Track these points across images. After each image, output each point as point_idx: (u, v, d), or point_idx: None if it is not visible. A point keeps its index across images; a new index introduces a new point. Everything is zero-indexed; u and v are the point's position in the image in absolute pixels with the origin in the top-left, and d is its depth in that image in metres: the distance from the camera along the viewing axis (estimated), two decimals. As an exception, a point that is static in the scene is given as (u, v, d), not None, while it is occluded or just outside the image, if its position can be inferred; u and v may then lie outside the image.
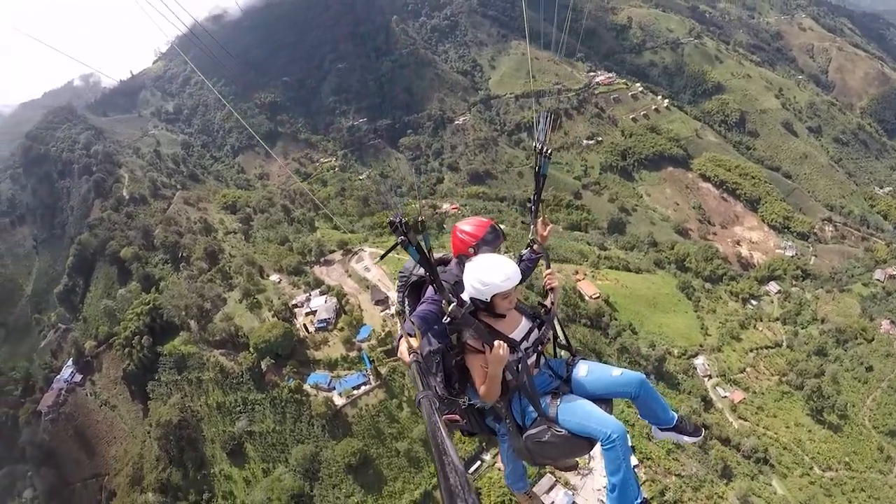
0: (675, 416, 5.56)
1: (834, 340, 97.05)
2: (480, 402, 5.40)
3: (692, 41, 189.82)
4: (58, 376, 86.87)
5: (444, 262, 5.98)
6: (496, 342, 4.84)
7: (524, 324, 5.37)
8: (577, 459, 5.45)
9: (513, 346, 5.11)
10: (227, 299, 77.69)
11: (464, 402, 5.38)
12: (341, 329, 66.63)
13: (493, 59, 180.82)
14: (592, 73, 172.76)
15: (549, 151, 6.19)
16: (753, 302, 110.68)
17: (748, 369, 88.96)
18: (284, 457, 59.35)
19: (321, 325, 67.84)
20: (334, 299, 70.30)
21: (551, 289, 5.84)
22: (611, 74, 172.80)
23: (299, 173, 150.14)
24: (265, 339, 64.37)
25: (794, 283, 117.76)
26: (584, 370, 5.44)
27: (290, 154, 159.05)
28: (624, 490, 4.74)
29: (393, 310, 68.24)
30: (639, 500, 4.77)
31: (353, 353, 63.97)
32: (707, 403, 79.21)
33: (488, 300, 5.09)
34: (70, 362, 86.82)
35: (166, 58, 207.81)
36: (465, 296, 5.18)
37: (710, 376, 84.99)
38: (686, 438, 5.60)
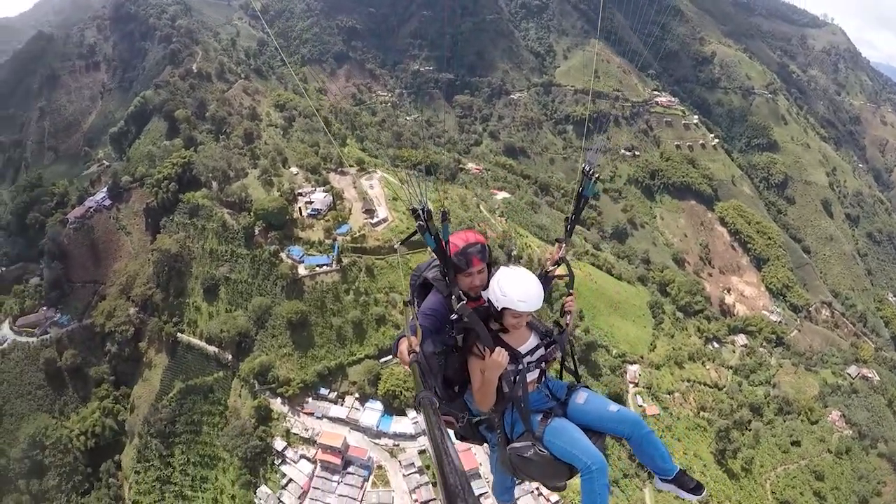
0: (676, 468, 5.32)
1: (777, 407, 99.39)
2: (476, 409, 5.47)
3: (766, 94, 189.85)
4: (91, 197, 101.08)
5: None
6: (497, 348, 4.89)
7: (532, 340, 5.39)
8: (564, 482, 5.25)
9: (515, 357, 5.16)
10: (248, 173, 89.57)
11: (463, 416, 5.48)
12: (327, 220, 78.04)
13: (569, 49, 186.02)
14: (657, 92, 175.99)
15: (597, 175, 6.14)
16: (716, 344, 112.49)
17: (676, 394, 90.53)
18: (246, 304, 71.28)
19: (313, 212, 79.85)
20: (331, 197, 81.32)
21: (568, 311, 5.83)
22: (674, 99, 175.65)
23: (355, 98, 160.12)
24: (265, 207, 76.66)
25: (763, 343, 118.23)
26: (582, 398, 5.41)
27: (352, 79, 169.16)
28: None
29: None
30: None
31: (329, 241, 75.26)
32: (618, 402, 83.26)
33: (499, 309, 5.14)
34: (105, 189, 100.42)
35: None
36: (485, 294, 5.34)
37: (636, 384, 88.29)
38: (686, 495, 5.34)
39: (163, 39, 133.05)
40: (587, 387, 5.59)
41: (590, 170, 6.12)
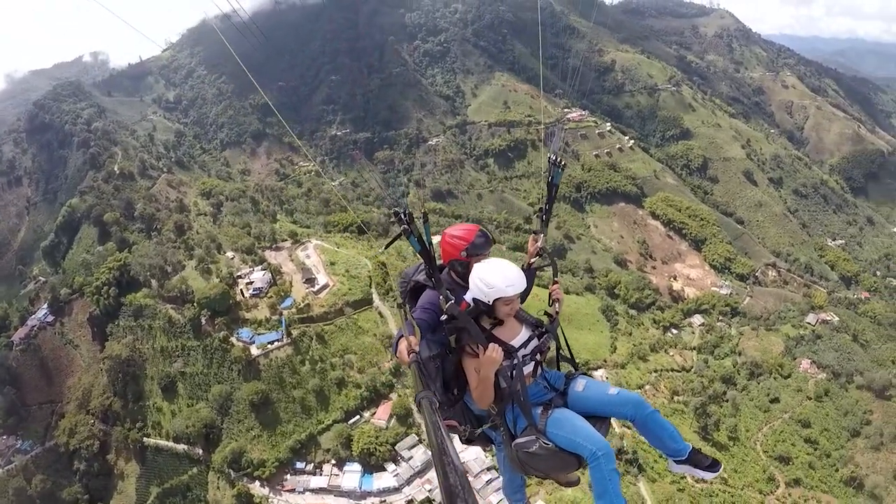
0: (688, 446, 5.22)
1: (748, 373, 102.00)
2: (477, 409, 5.44)
3: (670, 88, 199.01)
4: (33, 315, 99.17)
5: (438, 270, 5.55)
6: (490, 345, 4.83)
7: (524, 332, 5.32)
8: (577, 475, 5.22)
9: (509, 351, 5.05)
10: (185, 266, 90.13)
11: (466, 428, 5.39)
12: (270, 297, 79.64)
13: (476, 87, 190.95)
14: (567, 110, 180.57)
15: (563, 162, 6.28)
16: (674, 331, 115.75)
17: (647, 386, 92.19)
18: (206, 395, 71.40)
19: (255, 292, 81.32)
20: (270, 274, 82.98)
21: (556, 299, 5.77)
22: (584, 112, 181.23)
23: (279, 174, 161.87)
24: (207, 296, 77.66)
25: (720, 318, 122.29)
26: (581, 385, 5.35)
27: (273, 154, 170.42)
28: None
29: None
30: None
31: (275, 317, 76.71)
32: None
33: (490, 303, 5.08)
34: (45, 305, 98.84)
35: (175, 48, 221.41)
36: (468, 296, 5.16)
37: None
38: (702, 473, 5.26)
39: (81, 145, 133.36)
40: (585, 374, 5.56)
41: (556, 158, 6.35)
